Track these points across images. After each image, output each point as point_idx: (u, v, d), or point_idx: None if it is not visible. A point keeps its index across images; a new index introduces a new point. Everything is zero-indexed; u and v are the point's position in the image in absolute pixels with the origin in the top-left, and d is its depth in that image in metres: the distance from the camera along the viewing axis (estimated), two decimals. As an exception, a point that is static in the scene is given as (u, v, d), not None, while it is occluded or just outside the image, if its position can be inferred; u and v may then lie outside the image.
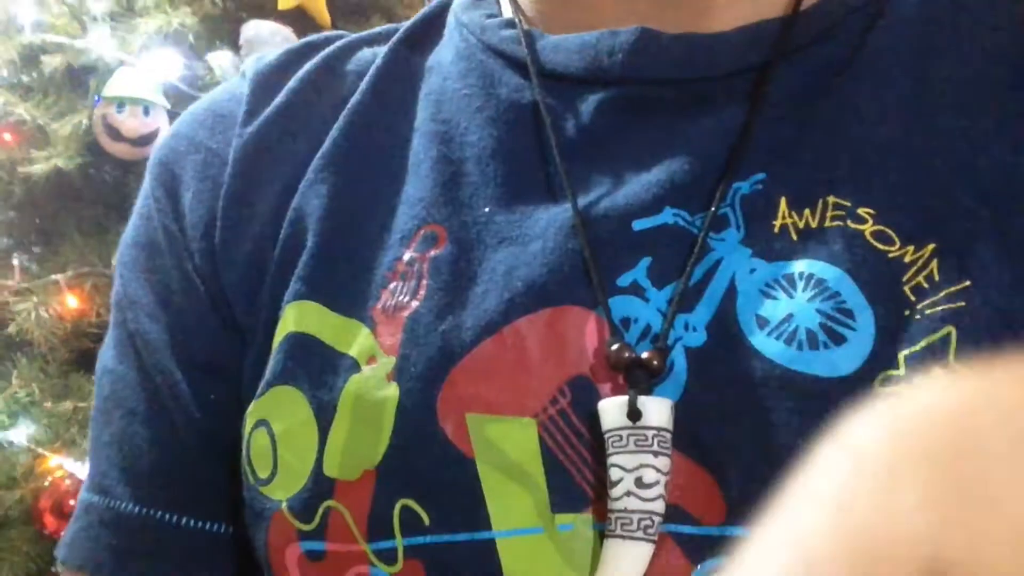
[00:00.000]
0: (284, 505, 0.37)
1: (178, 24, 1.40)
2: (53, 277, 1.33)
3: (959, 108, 0.36)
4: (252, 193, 0.42)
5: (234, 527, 0.45)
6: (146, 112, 1.37)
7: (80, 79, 1.47)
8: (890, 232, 0.34)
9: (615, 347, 0.34)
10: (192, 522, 0.43)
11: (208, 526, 0.43)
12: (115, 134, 1.38)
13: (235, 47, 1.43)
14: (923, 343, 0.32)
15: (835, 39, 0.38)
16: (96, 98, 1.40)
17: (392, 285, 0.38)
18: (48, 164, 1.38)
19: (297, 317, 0.39)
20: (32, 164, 1.41)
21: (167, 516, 0.42)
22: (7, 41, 1.49)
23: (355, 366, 0.37)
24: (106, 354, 0.46)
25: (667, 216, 0.36)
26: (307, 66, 0.45)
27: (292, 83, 0.44)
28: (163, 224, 0.44)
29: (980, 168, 0.35)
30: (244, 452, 0.40)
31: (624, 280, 0.36)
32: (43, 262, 1.43)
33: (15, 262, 1.46)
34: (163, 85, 1.40)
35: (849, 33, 0.38)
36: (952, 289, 0.33)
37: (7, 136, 1.44)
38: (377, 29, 0.47)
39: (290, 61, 0.45)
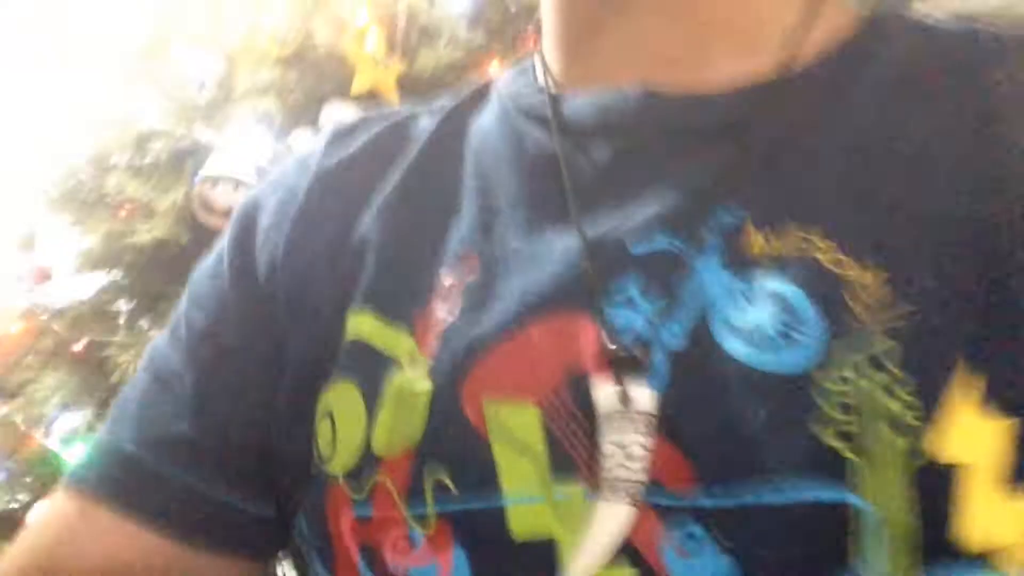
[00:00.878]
0: (341, 479, 0.42)
1: (265, 110, 1.51)
2: (153, 332, 1.44)
3: (913, 159, 0.39)
4: (319, 215, 0.49)
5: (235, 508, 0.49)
6: (235, 188, 1.48)
7: (180, 160, 1.59)
8: (845, 258, 0.37)
9: (609, 346, 0.38)
10: (190, 476, 0.48)
11: (206, 486, 0.48)
12: (209, 208, 1.48)
13: (315, 128, 1.54)
14: (868, 352, 0.35)
15: (811, 96, 0.42)
16: (195, 177, 1.52)
17: (434, 303, 0.43)
18: (151, 235, 1.50)
19: (355, 325, 0.45)
20: (136, 235, 1.53)
21: (167, 466, 0.48)
22: (125, 130, 1.63)
23: (399, 366, 0.42)
24: (158, 341, 0.53)
25: (659, 242, 0.40)
26: (376, 128, 0.53)
27: (363, 137, 0.52)
28: (232, 252, 0.51)
29: (929, 209, 0.38)
30: (313, 437, 0.44)
31: (618, 293, 0.40)
32: (145, 319, 1.55)
33: (121, 320, 1.59)
34: (252, 164, 1.51)
35: (824, 91, 0.42)
36: (899, 311, 0.36)
37: (122, 213, 1.55)
38: (438, 101, 0.54)
39: (363, 122, 0.54)
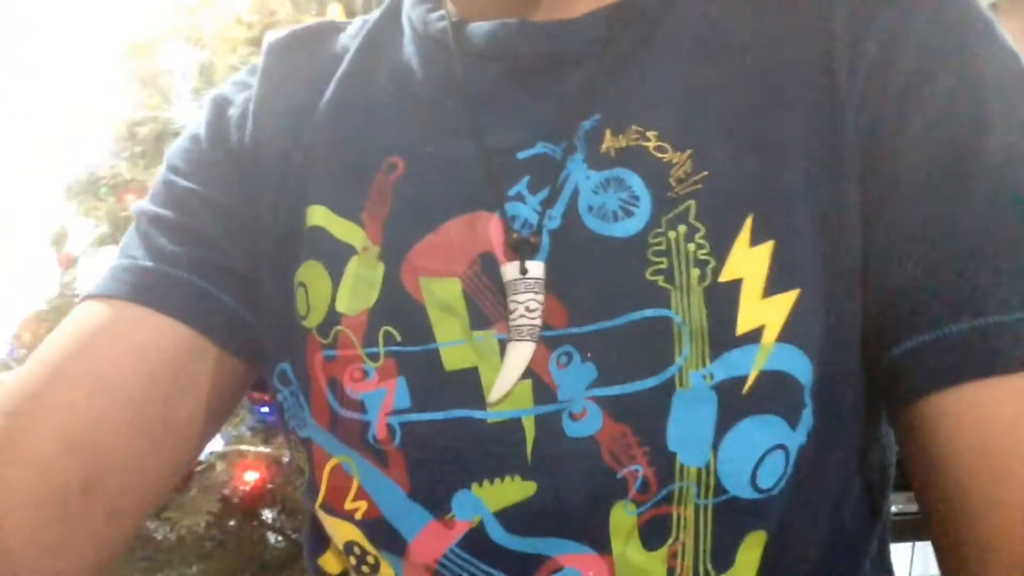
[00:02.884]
0: (314, 330, 0.50)
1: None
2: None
3: (723, 58, 0.47)
4: (269, 118, 0.56)
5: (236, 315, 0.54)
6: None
7: (162, 141, 1.67)
8: (665, 144, 0.46)
9: (511, 234, 0.47)
10: (199, 280, 0.54)
11: (213, 289, 0.54)
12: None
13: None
14: (675, 211, 0.45)
15: (647, 15, 0.49)
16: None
17: (372, 198, 0.51)
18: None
19: (313, 217, 0.52)
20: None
21: (179, 272, 0.53)
22: (117, 121, 1.72)
23: (354, 251, 0.50)
24: (140, 203, 0.58)
25: (539, 148, 0.49)
26: (308, 43, 0.59)
27: (298, 52, 0.59)
28: (208, 125, 0.57)
29: (727, 97, 0.46)
30: (293, 301, 0.51)
31: (512, 192, 0.48)
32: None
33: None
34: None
35: (657, 11, 0.49)
36: (696, 177, 0.45)
37: (128, 196, 1.66)
38: (356, 23, 0.61)
39: (294, 37, 0.60)
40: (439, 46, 0.54)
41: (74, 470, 0.48)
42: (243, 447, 1.37)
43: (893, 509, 0.53)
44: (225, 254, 0.55)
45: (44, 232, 1.90)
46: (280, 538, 1.62)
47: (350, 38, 0.59)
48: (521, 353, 0.46)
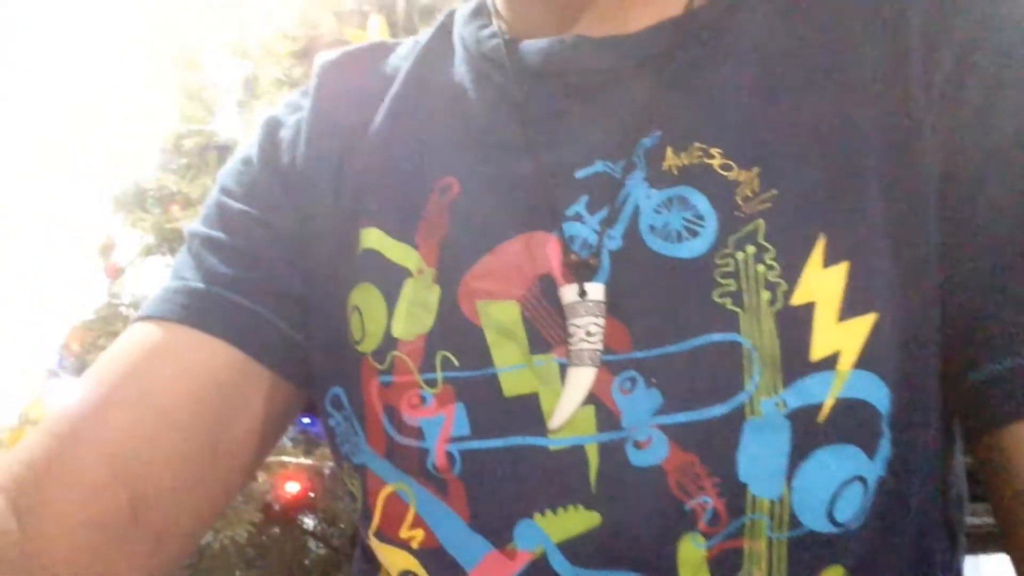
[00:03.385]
0: (369, 355, 0.49)
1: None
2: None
3: (788, 76, 0.46)
4: (321, 140, 0.54)
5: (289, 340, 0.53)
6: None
7: (204, 153, 1.68)
8: (731, 162, 0.44)
9: (569, 255, 0.45)
10: (251, 303, 0.52)
11: (264, 311, 0.52)
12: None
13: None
14: (743, 231, 0.43)
15: (708, 30, 0.48)
16: (220, 168, 1.61)
17: (427, 220, 0.50)
18: (186, 220, 1.60)
19: (367, 239, 0.51)
20: (179, 223, 1.64)
21: (230, 294, 0.52)
22: (163, 134, 1.73)
23: (409, 273, 0.49)
24: (191, 225, 0.56)
25: (598, 166, 0.47)
26: (360, 64, 0.58)
27: (350, 73, 0.58)
28: (260, 147, 0.56)
29: (797, 112, 0.45)
30: (347, 325, 0.50)
31: (570, 212, 0.46)
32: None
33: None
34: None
35: (718, 25, 0.48)
36: (764, 196, 0.43)
37: (174, 207, 1.67)
38: (407, 43, 0.59)
39: (347, 57, 0.59)
40: (492, 64, 0.52)
41: (122, 495, 0.47)
42: (284, 458, 1.36)
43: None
44: (277, 276, 0.54)
45: (91, 243, 1.92)
46: (320, 545, 1.62)
47: (401, 58, 0.58)
48: (582, 379, 0.44)
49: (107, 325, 1.72)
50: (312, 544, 1.62)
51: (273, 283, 0.53)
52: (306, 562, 1.59)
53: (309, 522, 1.59)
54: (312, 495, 1.39)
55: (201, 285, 0.52)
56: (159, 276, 1.81)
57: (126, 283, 1.87)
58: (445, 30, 0.58)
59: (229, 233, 0.54)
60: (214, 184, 0.59)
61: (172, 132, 1.73)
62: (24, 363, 1.87)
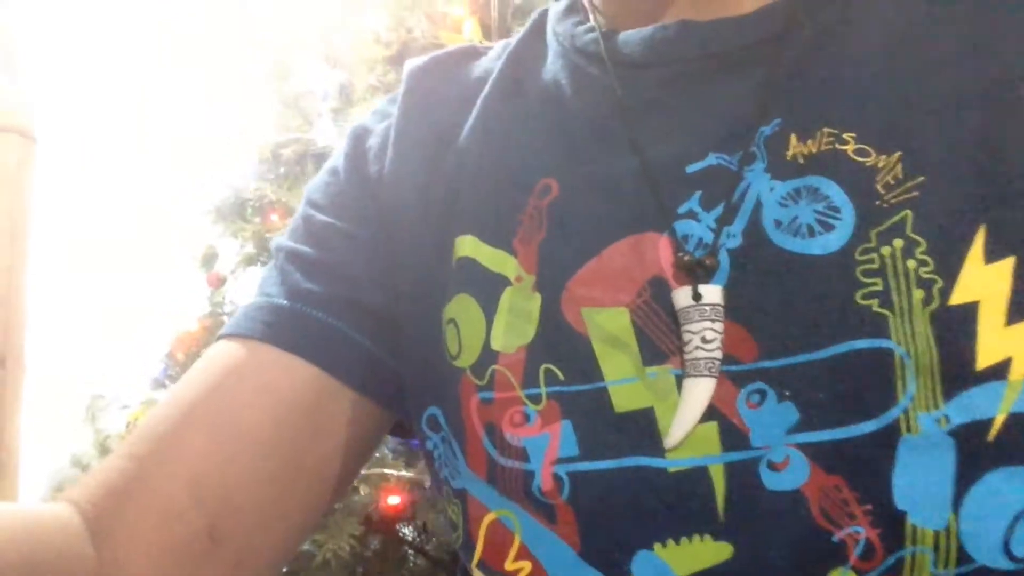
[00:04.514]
0: (467, 370, 0.46)
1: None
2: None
3: (923, 50, 0.42)
4: (408, 146, 0.53)
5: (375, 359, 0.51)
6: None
7: (304, 161, 1.70)
8: (867, 147, 0.40)
9: (681, 255, 0.41)
10: (335, 320, 0.51)
11: (348, 329, 0.50)
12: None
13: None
14: (888, 223, 0.38)
15: (828, 6, 0.44)
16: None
17: (524, 224, 0.47)
18: (285, 229, 1.64)
19: (462, 247, 0.48)
20: (277, 231, 1.66)
21: (312, 311, 0.51)
22: (262, 143, 1.77)
23: (507, 282, 0.46)
24: (278, 239, 0.55)
25: (711, 159, 0.43)
26: (449, 67, 0.56)
27: (438, 76, 0.56)
28: (347, 158, 0.55)
29: (940, 88, 0.40)
30: (443, 339, 0.48)
31: (683, 209, 0.43)
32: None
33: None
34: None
35: (839, 1, 0.44)
36: (910, 183, 0.39)
37: (273, 216, 1.70)
38: (498, 45, 0.58)
39: (434, 61, 0.57)
40: (590, 59, 0.50)
41: (201, 518, 0.46)
42: (386, 470, 1.36)
43: None
44: (363, 291, 0.52)
45: (193, 253, 1.97)
46: (418, 556, 1.61)
47: (493, 60, 0.56)
48: (700, 391, 0.40)
49: (209, 334, 1.76)
50: (411, 554, 1.62)
51: (359, 299, 0.52)
52: (404, 572, 1.59)
53: (408, 532, 1.59)
54: (412, 506, 1.38)
55: (284, 302, 0.51)
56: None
57: (228, 292, 1.91)
58: (538, 29, 0.56)
59: (315, 247, 0.53)
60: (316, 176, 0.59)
61: (270, 142, 1.76)
62: (131, 373, 1.93)
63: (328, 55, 1.76)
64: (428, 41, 1.68)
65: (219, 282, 1.90)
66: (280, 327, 0.50)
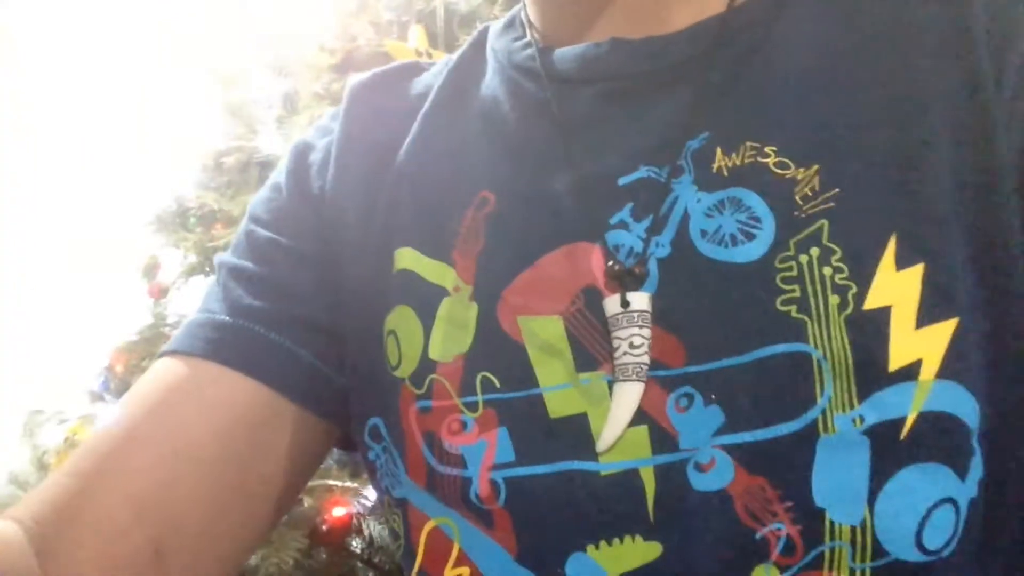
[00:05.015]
0: (407, 380, 0.47)
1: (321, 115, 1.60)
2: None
3: (839, 69, 0.44)
4: (352, 161, 0.54)
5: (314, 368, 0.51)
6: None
7: (246, 169, 1.69)
8: (787, 160, 0.42)
9: (611, 264, 0.43)
10: (278, 336, 0.51)
11: (292, 345, 0.51)
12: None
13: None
14: (805, 232, 0.40)
15: (754, 26, 0.46)
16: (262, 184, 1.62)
17: (463, 236, 0.48)
18: (228, 238, 1.61)
19: (401, 260, 0.49)
20: (220, 240, 1.64)
21: (255, 327, 0.51)
22: (204, 152, 1.75)
23: (445, 292, 0.47)
24: (222, 255, 0.56)
25: (642, 172, 0.45)
26: (391, 83, 0.57)
27: (380, 92, 0.57)
28: (289, 173, 0.55)
29: (856, 104, 0.42)
30: (384, 350, 0.49)
31: (615, 219, 0.45)
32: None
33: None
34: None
35: (763, 20, 0.46)
36: (826, 195, 0.41)
37: (217, 226, 1.67)
38: (439, 61, 0.59)
39: (378, 77, 0.58)
40: (527, 74, 0.51)
41: (145, 536, 0.46)
42: (331, 481, 1.35)
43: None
44: (305, 306, 0.53)
45: (135, 263, 1.94)
46: (368, 569, 1.60)
47: (434, 76, 0.57)
48: (629, 395, 0.41)
49: (150, 346, 1.73)
50: (359, 566, 1.61)
51: (302, 314, 0.52)
52: (355, 586, 1.58)
53: (356, 544, 1.58)
54: (358, 518, 1.38)
55: (227, 318, 0.52)
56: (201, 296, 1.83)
57: (170, 303, 1.88)
58: (478, 46, 0.57)
59: (257, 263, 0.54)
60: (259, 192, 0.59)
61: (213, 150, 1.74)
62: (68, 385, 1.89)
63: (273, 63, 1.75)
64: (373, 49, 1.67)
65: (161, 293, 1.88)
66: (222, 343, 0.51)
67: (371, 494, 1.40)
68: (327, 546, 1.45)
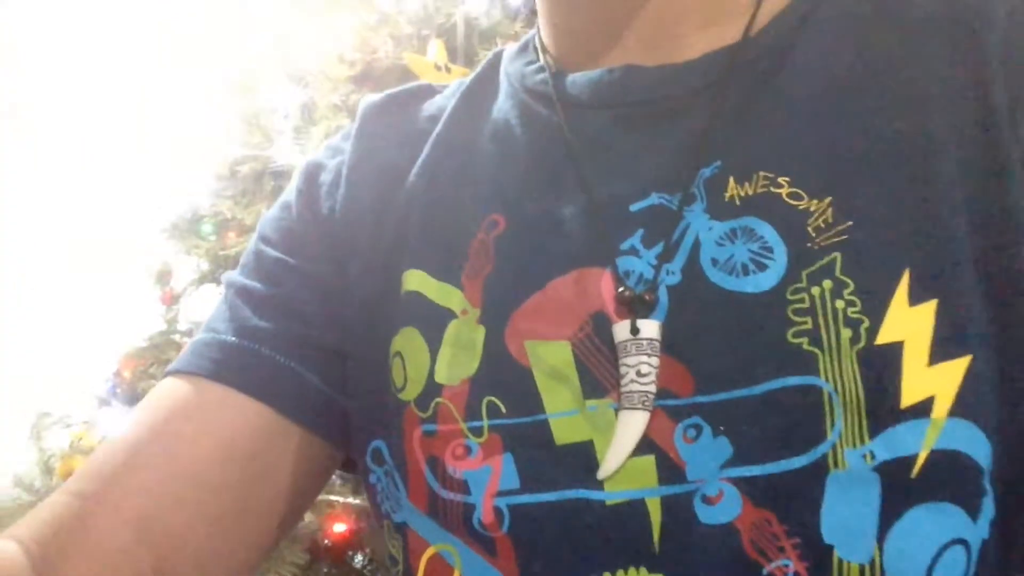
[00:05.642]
0: (412, 403, 0.47)
1: (339, 127, 1.60)
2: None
3: (854, 101, 0.43)
4: (362, 183, 0.54)
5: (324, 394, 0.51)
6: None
7: (260, 178, 1.70)
8: (800, 191, 0.42)
9: (621, 290, 0.43)
10: (283, 358, 0.51)
11: (297, 367, 0.51)
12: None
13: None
14: (818, 264, 0.40)
15: (768, 56, 0.46)
16: (277, 194, 1.62)
17: (472, 259, 0.48)
18: (241, 247, 1.62)
19: (410, 281, 0.49)
20: (232, 249, 1.66)
21: (261, 348, 0.51)
22: (219, 160, 1.76)
23: (452, 315, 0.47)
24: (231, 274, 0.56)
25: (653, 199, 0.45)
26: (403, 106, 0.57)
27: (392, 114, 0.57)
28: (299, 193, 0.56)
29: (870, 137, 0.42)
30: (389, 373, 0.49)
31: (625, 246, 0.44)
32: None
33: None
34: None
35: (778, 50, 0.46)
36: (840, 227, 0.40)
37: (230, 234, 1.69)
38: (453, 84, 0.59)
39: (390, 99, 0.58)
40: (540, 99, 0.51)
41: (146, 558, 0.46)
42: (332, 497, 1.34)
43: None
44: (312, 327, 0.53)
45: (147, 269, 1.95)
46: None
47: (447, 99, 0.58)
48: (633, 424, 0.41)
49: (160, 353, 1.74)
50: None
51: (308, 336, 0.52)
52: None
53: (359, 559, 1.57)
54: (359, 534, 1.37)
55: (232, 339, 0.52)
56: (213, 304, 1.83)
57: (181, 310, 1.89)
58: (492, 69, 0.57)
59: (265, 283, 0.54)
60: (265, 210, 0.59)
61: (228, 158, 1.75)
62: (76, 390, 1.90)
63: (291, 73, 1.76)
64: (392, 62, 1.68)
65: (173, 299, 1.89)
66: (227, 364, 0.51)
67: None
68: (329, 562, 1.45)
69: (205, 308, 1.87)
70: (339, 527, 1.34)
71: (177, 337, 1.82)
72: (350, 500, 1.36)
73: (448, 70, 1.64)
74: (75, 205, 2.47)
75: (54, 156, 2.48)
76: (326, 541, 1.42)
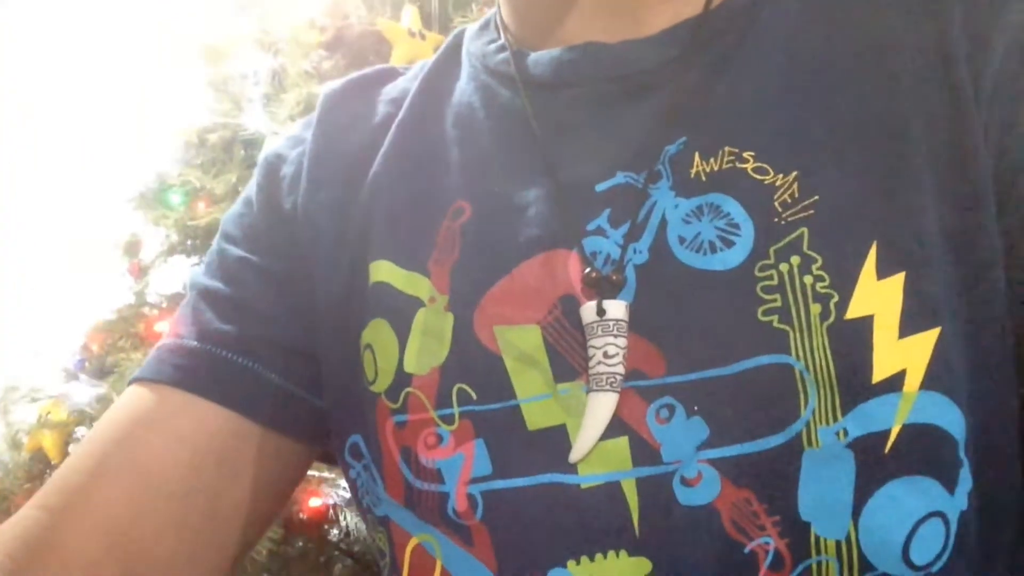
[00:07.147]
0: (383, 395, 0.47)
1: (311, 93, 1.58)
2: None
3: (819, 73, 0.44)
4: (325, 172, 0.53)
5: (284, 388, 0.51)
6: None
7: (230, 147, 1.67)
8: (766, 166, 0.42)
9: (588, 271, 0.43)
10: (247, 360, 0.51)
11: (261, 368, 0.51)
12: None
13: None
14: (785, 240, 0.40)
15: (731, 30, 0.46)
16: (245, 162, 1.60)
17: (439, 246, 0.48)
18: (210, 217, 1.60)
19: (377, 272, 0.49)
20: (199, 219, 1.64)
21: (225, 352, 0.51)
22: (188, 128, 1.73)
23: (420, 303, 0.47)
24: (195, 273, 0.55)
25: (619, 178, 0.45)
26: (364, 92, 0.57)
27: (353, 101, 0.56)
28: (260, 189, 0.55)
29: (836, 111, 0.42)
30: (361, 366, 0.48)
31: (592, 226, 0.44)
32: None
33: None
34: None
35: (741, 24, 0.46)
36: (806, 202, 0.41)
37: (200, 204, 1.65)
38: (415, 66, 0.59)
39: (351, 84, 0.58)
40: (502, 80, 0.51)
41: (117, 567, 0.46)
42: (308, 472, 1.34)
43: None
44: (277, 328, 0.52)
45: (115, 241, 1.92)
46: (346, 558, 1.60)
47: (409, 81, 0.57)
48: (602, 405, 0.41)
49: (128, 325, 1.72)
50: (337, 556, 1.61)
51: (273, 337, 0.52)
52: (331, 575, 1.58)
53: (335, 534, 1.57)
54: (336, 508, 1.37)
55: (195, 343, 0.52)
56: (181, 275, 1.81)
57: (150, 282, 1.86)
58: (454, 48, 0.57)
59: (227, 283, 0.53)
60: (239, 180, 0.58)
61: (196, 125, 1.72)
62: (44, 364, 1.88)
63: (261, 38, 1.73)
64: (365, 28, 1.66)
65: (141, 271, 1.86)
66: (190, 370, 0.51)
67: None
68: (304, 536, 1.45)
69: (174, 280, 1.85)
70: (315, 501, 1.34)
71: (146, 310, 1.80)
72: (325, 474, 1.36)
73: (423, 37, 1.62)
74: (40, 178, 2.43)
75: (14, 128, 2.44)
76: (301, 515, 1.42)
